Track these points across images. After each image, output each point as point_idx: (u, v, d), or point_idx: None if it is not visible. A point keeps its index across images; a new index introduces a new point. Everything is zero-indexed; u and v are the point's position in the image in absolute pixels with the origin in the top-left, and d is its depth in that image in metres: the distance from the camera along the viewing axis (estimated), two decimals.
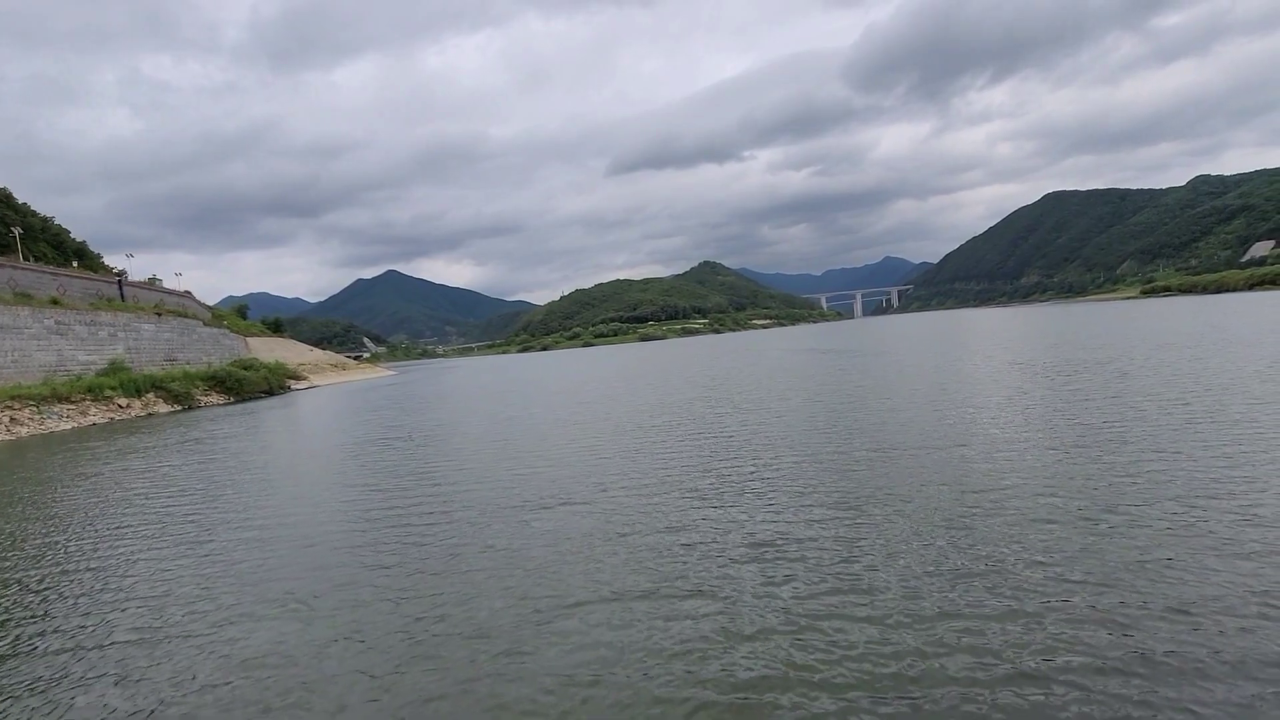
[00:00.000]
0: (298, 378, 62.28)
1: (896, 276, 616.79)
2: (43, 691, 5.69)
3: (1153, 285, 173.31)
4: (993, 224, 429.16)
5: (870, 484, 10.04)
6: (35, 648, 6.62)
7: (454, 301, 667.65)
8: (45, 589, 8.43)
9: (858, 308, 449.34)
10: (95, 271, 64.44)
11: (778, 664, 5.14)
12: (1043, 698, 4.49)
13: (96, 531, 11.17)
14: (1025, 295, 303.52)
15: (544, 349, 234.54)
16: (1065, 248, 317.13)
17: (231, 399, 46.19)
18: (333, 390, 56.74)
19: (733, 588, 6.62)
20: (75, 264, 64.28)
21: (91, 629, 6.99)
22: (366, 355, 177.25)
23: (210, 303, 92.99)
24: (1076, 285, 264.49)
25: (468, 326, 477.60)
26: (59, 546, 10.42)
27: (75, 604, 7.79)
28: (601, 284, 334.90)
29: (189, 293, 76.68)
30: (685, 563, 7.41)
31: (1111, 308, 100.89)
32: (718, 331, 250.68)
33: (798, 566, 7.02)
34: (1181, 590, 5.78)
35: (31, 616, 7.48)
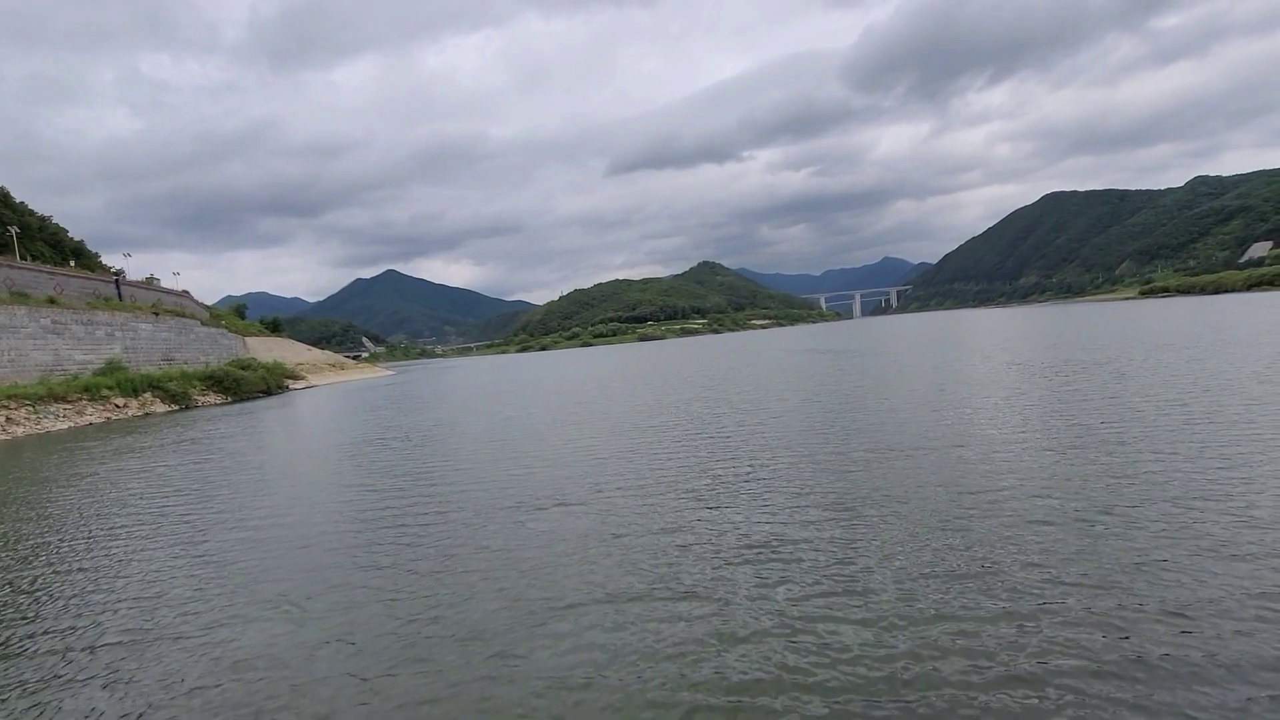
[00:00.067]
0: (296, 377, 62.19)
1: (895, 277, 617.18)
2: (31, 694, 5.64)
3: (1151, 286, 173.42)
4: (991, 224, 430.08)
5: (867, 485, 10.01)
6: (25, 649, 6.57)
7: (453, 301, 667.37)
8: (37, 590, 8.38)
9: (857, 308, 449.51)
10: (93, 271, 64.32)
11: (771, 666, 5.10)
12: (1037, 701, 4.45)
13: (90, 532, 11.12)
14: (1024, 296, 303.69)
15: (543, 349, 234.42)
16: (1064, 248, 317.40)
17: (229, 399, 46.09)
18: (331, 390, 56.66)
19: (727, 589, 6.58)
20: (73, 263, 64.19)
21: (82, 631, 6.94)
22: (365, 355, 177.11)
23: (209, 302, 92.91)
24: (1075, 286, 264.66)
25: (467, 326, 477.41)
26: (52, 547, 10.37)
27: (67, 605, 7.74)
28: (600, 284, 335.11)
29: (187, 292, 76.57)
30: (680, 564, 7.37)
31: (1110, 308, 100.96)
32: (717, 332, 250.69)
33: (792, 568, 6.98)
34: (1178, 593, 5.74)
35: (22, 618, 7.42)
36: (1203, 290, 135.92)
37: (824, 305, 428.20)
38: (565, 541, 8.50)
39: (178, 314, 58.86)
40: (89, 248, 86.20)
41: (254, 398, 48.18)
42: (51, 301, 43.38)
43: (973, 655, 5.03)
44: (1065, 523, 7.65)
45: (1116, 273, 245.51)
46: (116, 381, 38.83)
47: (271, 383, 53.15)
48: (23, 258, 54.18)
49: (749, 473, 11.52)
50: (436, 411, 29.53)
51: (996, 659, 4.95)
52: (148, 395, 39.87)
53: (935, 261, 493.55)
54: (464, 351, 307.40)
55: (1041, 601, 5.78)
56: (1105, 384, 18.19)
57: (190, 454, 20.15)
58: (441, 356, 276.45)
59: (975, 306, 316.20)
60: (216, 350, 60.73)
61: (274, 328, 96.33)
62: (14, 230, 58.98)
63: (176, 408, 40.40)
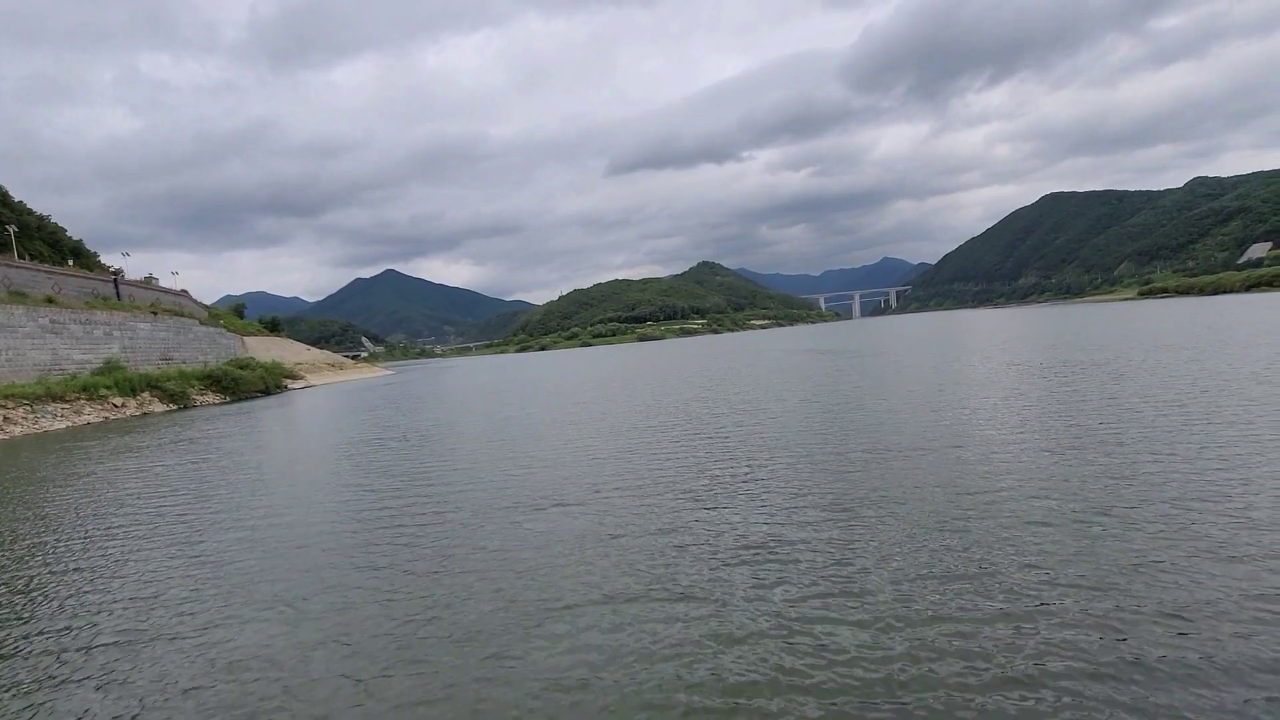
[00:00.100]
0: (294, 377, 62.13)
1: (895, 277, 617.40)
2: (26, 694, 5.61)
3: (1150, 287, 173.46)
4: (991, 225, 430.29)
5: (864, 486, 9.99)
6: (20, 650, 6.54)
7: (452, 301, 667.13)
8: (33, 590, 8.35)
9: (856, 308, 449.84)
10: (91, 270, 64.26)
11: (768, 668, 5.09)
12: (1034, 703, 4.44)
13: (87, 532, 11.09)
14: (1023, 296, 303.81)
15: (542, 349, 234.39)
16: (1063, 249, 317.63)
17: (227, 398, 46.04)
18: (329, 390, 56.61)
19: (724, 590, 6.56)
20: (71, 262, 64.09)
21: (77, 631, 6.91)
22: (364, 355, 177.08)
23: (208, 302, 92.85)
24: (1074, 286, 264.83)
25: (466, 326, 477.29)
26: (49, 547, 10.34)
27: (62, 605, 7.71)
28: (600, 284, 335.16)
29: (185, 291, 76.52)
30: (677, 565, 7.35)
31: (1109, 309, 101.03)
32: (716, 332, 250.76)
33: (790, 569, 6.96)
34: (1176, 594, 5.73)
35: (18, 618, 7.40)
36: (1201, 291, 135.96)
37: (823, 305, 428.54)
38: (562, 542, 8.48)
39: (176, 313, 58.81)
40: (88, 247, 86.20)
41: (252, 397, 48.14)
42: (49, 301, 43.32)
43: (969, 657, 5.01)
44: (1063, 524, 7.63)
45: (1115, 273, 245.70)
46: (114, 381, 38.78)
47: (270, 382, 53.11)
48: (21, 257, 54.12)
49: (747, 473, 11.51)
50: (435, 411, 29.50)
51: (993, 661, 4.94)
52: (146, 395, 39.82)
53: (934, 262, 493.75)
54: (463, 351, 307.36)
55: (1039, 603, 5.76)
56: (1104, 385, 18.18)
57: (188, 454, 20.11)
58: (441, 356, 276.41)
59: (974, 307, 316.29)
60: (215, 350, 60.68)
61: (273, 327, 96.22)
62: (12, 229, 58.94)
63: (175, 407, 40.34)
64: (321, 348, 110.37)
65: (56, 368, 40.11)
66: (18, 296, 41.14)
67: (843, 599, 6.15)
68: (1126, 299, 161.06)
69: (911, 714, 4.43)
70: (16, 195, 79.71)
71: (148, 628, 6.83)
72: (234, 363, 54.27)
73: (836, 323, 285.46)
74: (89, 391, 36.55)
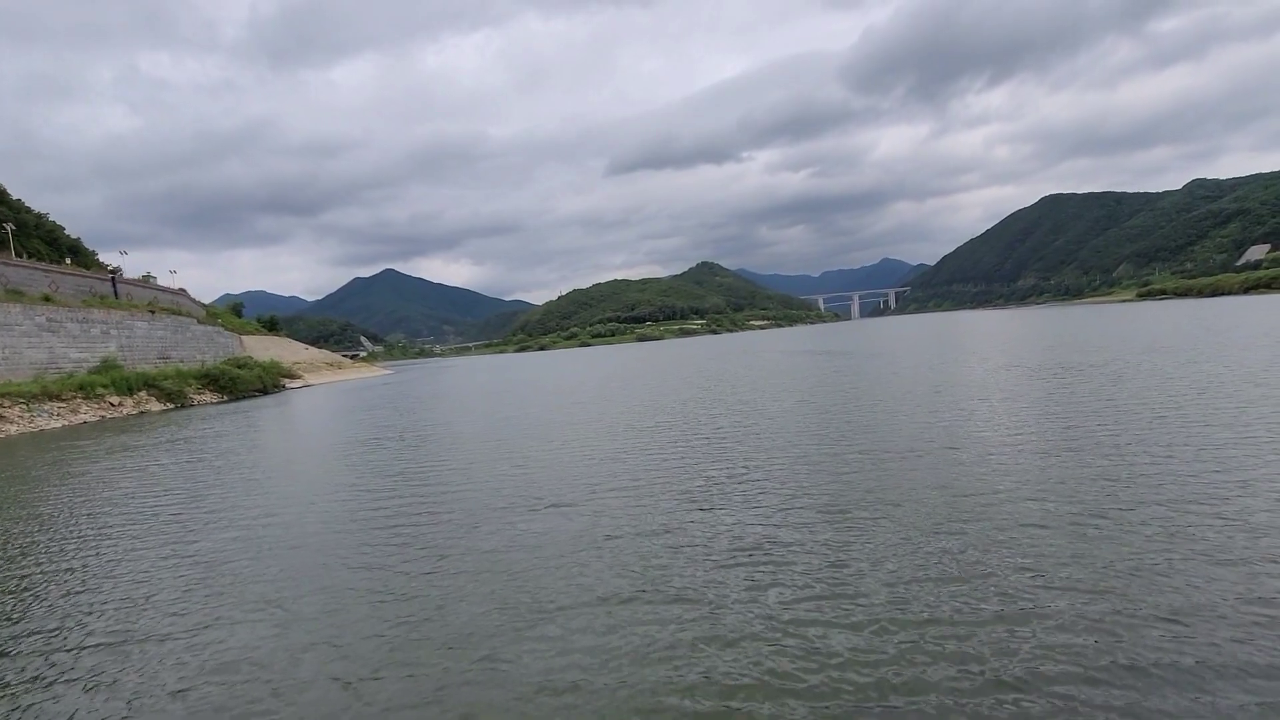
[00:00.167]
0: (292, 376, 62.02)
1: (894, 278, 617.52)
2: (12, 696, 5.56)
3: (1149, 288, 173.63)
4: (990, 226, 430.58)
5: (860, 487, 9.95)
6: (9, 650, 6.49)
7: (452, 301, 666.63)
8: (24, 590, 8.30)
9: (855, 309, 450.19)
10: (89, 269, 64.14)
11: (760, 671, 5.04)
12: (1027, 707, 4.40)
13: (81, 532, 11.03)
14: (1022, 297, 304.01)
15: (541, 349, 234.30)
16: (1062, 250, 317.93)
17: (225, 398, 45.95)
18: (327, 389, 56.52)
19: (717, 593, 6.52)
20: (69, 261, 63.95)
21: (67, 632, 6.86)
22: (363, 354, 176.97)
23: (207, 301, 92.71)
24: (1073, 288, 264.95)
25: (465, 326, 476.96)
26: (41, 546, 10.28)
27: (53, 606, 7.66)
28: (599, 284, 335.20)
29: (183, 290, 76.37)
30: (671, 567, 7.31)
31: (1107, 310, 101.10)
32: (715, 332, 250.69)
33: (784, 571, 6.92)
34: (1172, 598, 5.69)
35: (7, 619, 7.34)
36: (1200, 293, 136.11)
37: (822, 306, 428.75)
38: (557, 543, 8.43)
39: (174, 312, 58.71)
40: (86, 245, 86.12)
41: (250, 396, 48.04)
42: (46, 299, 43.24)
43: (963, 660, 4.97)
44: (1059, 526, 7.59)
45: (1114, 275, 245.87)
46: (111, 380, 38.70)
47: (268, 381, 53.01)
48: (18, 255, 53.99)
49: (744, 474, 11.47)
50: (432, 411, 29.45)
51: (987, 664, 4.90)
52: (143, 394, 39.73)
53: (934, 263, 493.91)
54: (462, 351, 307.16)
55: (1034, 606, 5.72)
56: (1101, 387, 18.16)
57: (184, 453, 20.05)
58: (440, 356, 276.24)
59: (973, 308, 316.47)
60: (213, 349, 60.58)
61: (271, 326, 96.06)
62: (9, 227, 58.82)
63: (172, 406, 40.26)
64: (320, 347, 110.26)
65: (53, 366, 40.02)
66: (14, 295, 41.04)
67: (836, 601, 6.11)
68: (1125, 301, 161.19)
69: (903, 717, 4.39)
70: (15, 193, 79.67)
71: (138, 629, 6.79)
72: (232, 362, 54.16)
73: (835, 323, 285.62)
74: (86, 390, 36.46)
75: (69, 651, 6.37)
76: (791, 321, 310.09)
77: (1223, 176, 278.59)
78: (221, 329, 66.64)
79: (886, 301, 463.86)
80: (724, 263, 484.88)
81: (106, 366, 41.81)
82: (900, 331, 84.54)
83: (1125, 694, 4.46)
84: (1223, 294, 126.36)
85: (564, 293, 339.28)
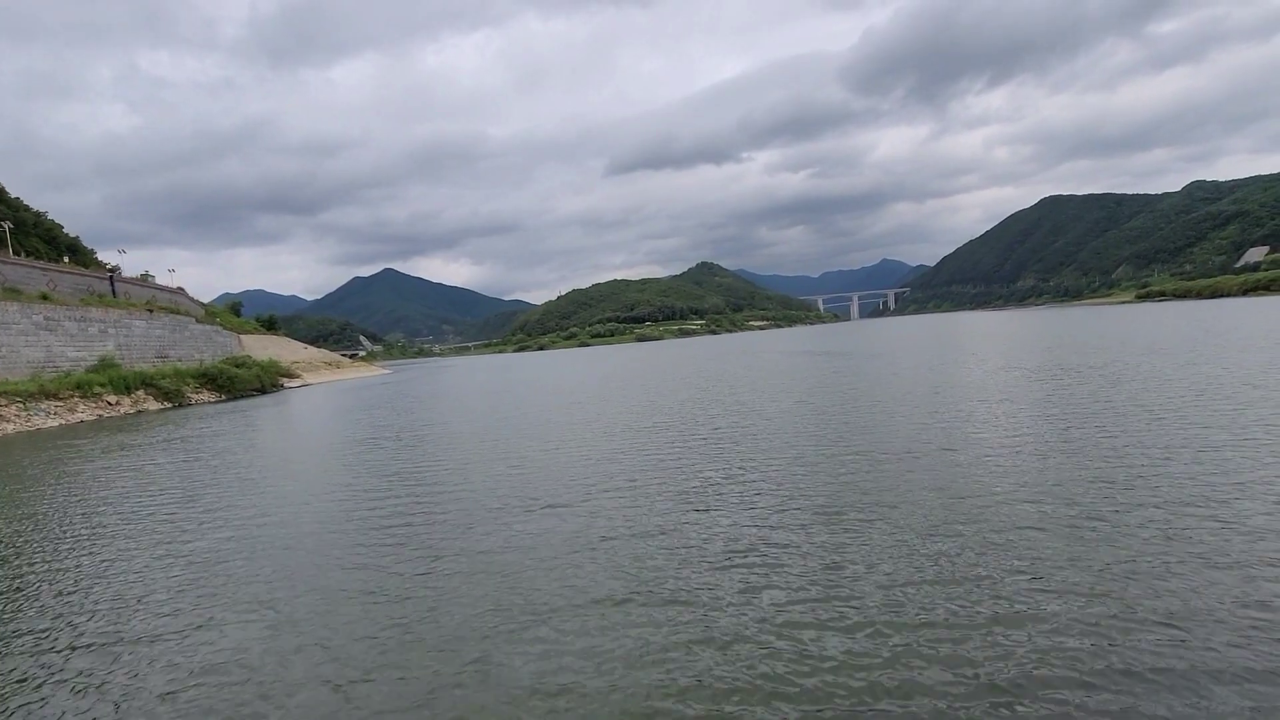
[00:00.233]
0: (291, 376, 61.95)
1: (893, 279, 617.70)
2: (1, 699, 5.51)
3: (1147, 290, 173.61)
4: (989, 227, 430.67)
5: (857, 489, 9.91)
6: None
7: (451, 300, 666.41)
8: (17, 590, 8.25)
9: (854, 310, 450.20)
10: (88, 267, 64.04)
11: (753, 675, 5.01)
12: (1021, 711, 4.36)
13: (75, 532, 10.98)
14: (1021, 299, 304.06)
15: (540, 349, 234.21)
16: (1061, 252, 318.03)
17: (223, 397, 45.87)
18: (326, 389, 56.46)
19: (711, 595, 6.48)
20: (67, 259, 63.83)
21: (58, 633, 6.81)
22: (362, 354, 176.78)
23: (206, 300, 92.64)
24: (1072, 289, 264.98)
25: (465, 325, 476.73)
26: (35, 546, 10.23)
27: (45, 607, 7.62)
28: (599, 284, 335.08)
29: (182, 289, 76.29)
30: (665, 569, 7.27)
31: (1106, 312, 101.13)
32: (714, 332, 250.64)
33: (778, 574, 6.88)
34: (1169, 601, 5.65)
35: None
36: (1199, 295, 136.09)
37: (822, 307, 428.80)
38: (551, 545, 8.39)
39: (172, 311, 58.63)
40: (85, 244, 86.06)
41: (248, 396, 47.97)
42: (44, 298, 43.15)
43: (957, 664, 4.93)
44: (1055, 529, 7.56)
45: (1113, 276, 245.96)
46: (109, 379, 38.62)
47: (266, 381, 52.93)
48: (16, 253, 53.91)
49: (740, 475, 11.43)
50: (430, 411, 29.40)
51: (981, 668, 4.86)
52: (140, 393, 39.66)
53: (933, 264, 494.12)
54: (461, 351, 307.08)
55: (1029, 609, 5.68)
56: (1099, 389, 18.13)
57: (180, 453, 19.99)
58: (439, 355, 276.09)
59: (972, 309, 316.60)
60: (211, 348, 60.49)
61: (270, 325, 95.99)
62: (8, 226, 58.71)
63: (170, 405, 40.18)
64: (319, 346, 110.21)
65: (51, 365, 39.92)
66: (12, 293, 40.96)
67: (831, 604, 6.07)
68: (1124, 302, 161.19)
69: None
70: (13, 192, 79.58)
71: (129, 630, 6.74)
72: (230, 361, 54.07)
73: (834, 324, 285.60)
74: (83, 389, 36.39)
75: (59, 653, 6.33)
76: (791, 322, 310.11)
77: (1222, 178, 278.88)
78: (220, 328, 66.55)
79: (886, 302, 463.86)
80: (723, 263, 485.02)
81: (104, 365, 41.73)
82: (899, 332, 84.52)
83: (1121, 698, 4.42)
84: (1221, 296, 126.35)
85: (563, 293, 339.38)
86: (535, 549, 8.27)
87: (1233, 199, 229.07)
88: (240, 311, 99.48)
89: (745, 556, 7.44)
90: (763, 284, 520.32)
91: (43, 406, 33.23)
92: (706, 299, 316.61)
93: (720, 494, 10.28)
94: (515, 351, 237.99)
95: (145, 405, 38.88)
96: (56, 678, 5.82)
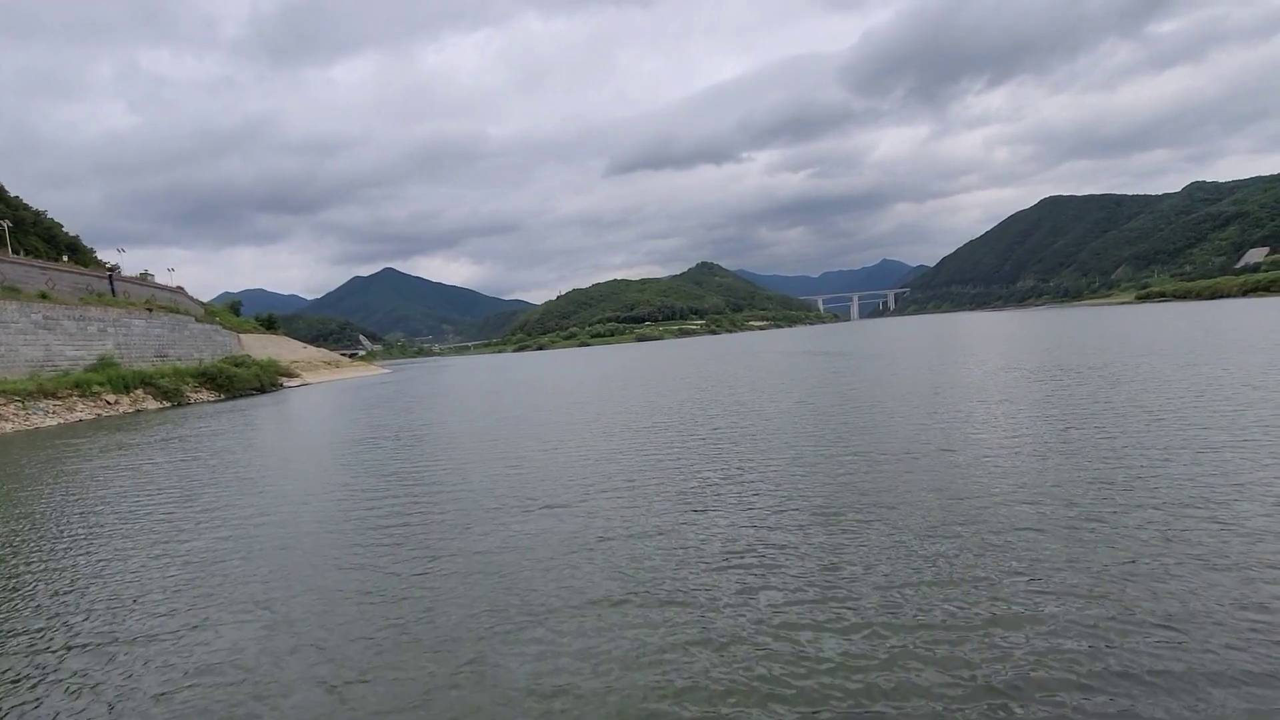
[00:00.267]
0: (290, 375, 61.92)
1: (893, 279, 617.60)
2: None
3: (1147, 291, 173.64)
4: (989, 228, 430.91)
5: (855, 490, 9.90)
6: None
7: (451, 300, 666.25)
8: (12, 590, 8.23)
9: (854, 310, 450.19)
10: (87, 266, 64.00)
11: (750, 676, 4.99)
12: (1019, 713, 4.34)
13: (72, 531, 10.95)
14: (1021, 299, 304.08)
15: (540, 348, 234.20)
16: (1061, 252, 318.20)
17: (222, 396, 45.84)
18: (325, 388, 56.43)
19: (708, 596, 6.46)
20: (66, 258, 63.78)
21: (52, 633, 6.79)
22: (362, 353, 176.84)
23: (206, 299, 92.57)
24: (1072, 290, 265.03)
25: (464, 325, 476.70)
26: (31, 546, 10.21)
27: (40, 606, 7.59)
28: (599, 284, 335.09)
29: (181, 288, 76.24)
30: (662, 570, 7.25)
31: (1106, 313, 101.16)
32: (714, 332, 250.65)
33: (776, 575, 6.86)
34: (1167, 603, 5.63)
35: None
36: (1199, 296, 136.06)
37: (822, 307, 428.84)
38: (549, 545, 8.37)
39: (171, 310, 58.60)
40: (84, 243, 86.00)
41: (248, 395, 47.93)
42: (43, 296, 43.09)
43: (955, 666, 4.92)
44: (1054, 530, 7.54)
45: (1113, 277, 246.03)
46: (108, 378, 38.58)
47: (265, 380, 52.91)
48: (16, 252, 53.89)
49: (738, 475, 11.41)
50: (429, 411, 29.38)
51: (978, 670, 4.84)
52: (139, 392, 39.63)
53: (933, 264, 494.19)
54: (461, 350, 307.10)
55: (1027, 611, 5.67)
56: (1098, 390, 18.12)
57: (178, 452, 19.97)
58: (439, 355, 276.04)
59: (972, 309, 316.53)
60: (211, 347, 60.45)
61: (269, 325, 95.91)
62: (7, 224, 58.66)
63: (169, 405, 40.15)
64: (319, 346, 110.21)
65: (49, 364, 39.88)
66: (11, 292, 40.91)
67: (828, 605, 6.05)
68: (1124, 303, 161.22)
69: None
70: (13, 190, 79.53)
71: (124, 630, 6.72)
72: (229, 360, 54.03)
73: (834, 324, 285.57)
74: (82, 388, 36.36)
75: (54, 653, 6.31)
76: (791, 322, 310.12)
77: (1222, 179, 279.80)
78: (219, 327, 66.52)
79: (886, 303, 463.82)
80: (723, 263, 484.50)
81: (103, 364, 41.68)
82: (899, 333, 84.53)
83: (1119, 701, 4.40)
84: (1221, 297, 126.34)
85: (563, 292, 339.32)
86: (532, 549, 8.25)
87: (1233, 200, 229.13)
88: (240, 311, 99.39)
89: (743, 557, 7.42)
90: (763, 284, 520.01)
91: (41, 405, 33.20)
92: (706, 299, 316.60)
93: (718, 495, 10.26)
94: (515, 351, 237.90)
95: (144, 404, 38.86)
96: (51, 678, 5.79)
